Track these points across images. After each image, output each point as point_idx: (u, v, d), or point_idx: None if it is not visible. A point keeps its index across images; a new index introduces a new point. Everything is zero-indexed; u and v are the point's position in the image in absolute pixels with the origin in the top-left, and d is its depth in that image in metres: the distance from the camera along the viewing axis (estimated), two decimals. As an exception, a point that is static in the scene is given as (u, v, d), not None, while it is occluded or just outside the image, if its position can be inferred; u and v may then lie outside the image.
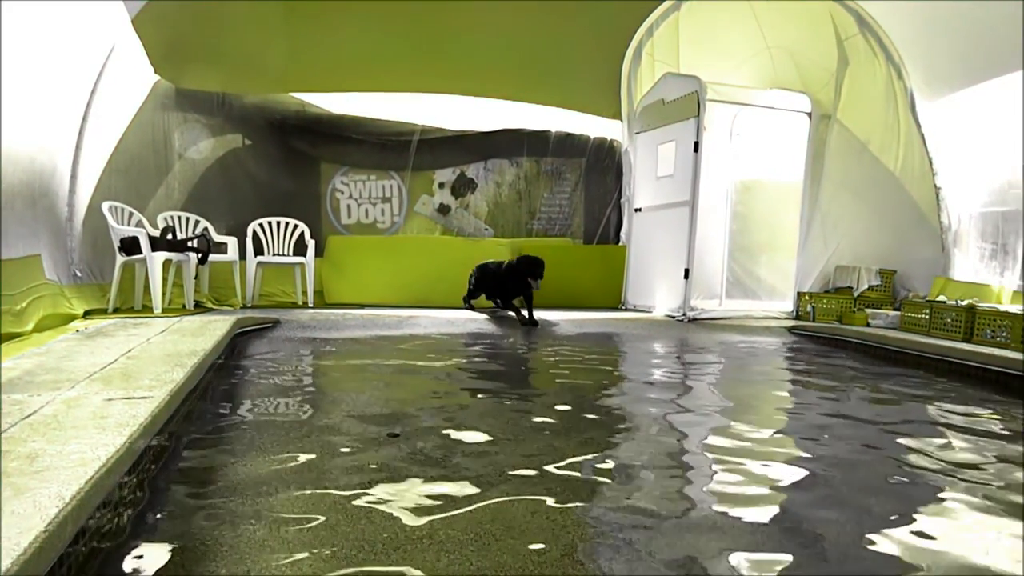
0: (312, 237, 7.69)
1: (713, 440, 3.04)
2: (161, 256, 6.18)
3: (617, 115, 9.31)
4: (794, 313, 8.07)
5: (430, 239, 8.85)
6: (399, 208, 9.05)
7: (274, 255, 7.62)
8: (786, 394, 4.58)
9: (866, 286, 7.79)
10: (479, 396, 3.82)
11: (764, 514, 2.12)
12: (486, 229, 9.26)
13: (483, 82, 8.89)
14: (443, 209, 9.19)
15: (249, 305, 7.24)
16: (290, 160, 8.68)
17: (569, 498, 2.16)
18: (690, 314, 7.62)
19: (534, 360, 5.17)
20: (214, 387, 3.60)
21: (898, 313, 7.18)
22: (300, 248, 7.65)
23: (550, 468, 2.45)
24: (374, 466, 2.39)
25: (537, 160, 9.45)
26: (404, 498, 2.10)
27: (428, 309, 7.51)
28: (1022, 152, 6.51)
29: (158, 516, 1.92)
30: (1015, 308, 6.28)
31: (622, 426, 3.31)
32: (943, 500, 2.35)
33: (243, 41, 7.96)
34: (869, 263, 7.89)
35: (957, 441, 3.19)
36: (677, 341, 6.42)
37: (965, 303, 6.57)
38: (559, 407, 3.55)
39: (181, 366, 3.25)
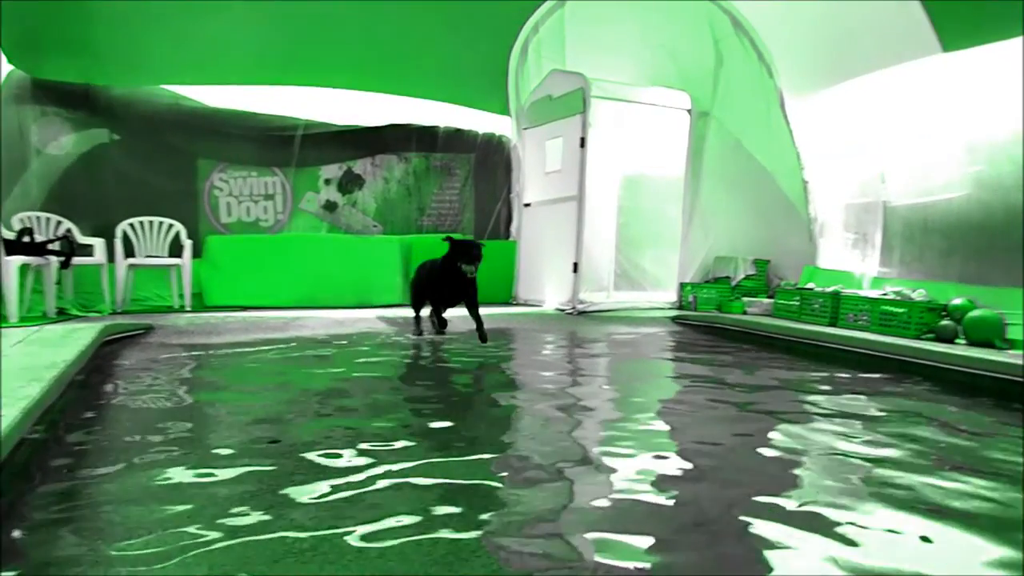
0: (189, 237, 7.31)
1: (603, 430, 3.09)
2: (17, 260, 5.72)
3: (505, 111, 9.35)
4: (678, 303, 8.37)
5: (316, 237, 8.59)
6: (283, 205, 8.74)
7: (147, 256, 7.19)
8: (668, 382, 4.73)
9: (743, 275, 8.17)
10: (373, 398, 3.73)
11: (643, 499, 2.17)
12: (375, 226, 9.10)
13: (369, 76, 8.71)
14: (330, 206, 8.95)
15: (119, 311, 6.80)
16: (163, 156, 8.20)
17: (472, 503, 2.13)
18: (579, 307, 7.76)
19: (428, 358, 5.10)
20: (74, 403, 3.34)
21: (772, 300, 7.57)
22: (176, 249, 7.26)
23: (447, 482, 2.40)
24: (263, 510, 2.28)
25: (426, 156, 9.36)
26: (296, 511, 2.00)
27: (316, 309, 7.31)
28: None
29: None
30: (874, 293, 6.75)
31: (515, 421, 3.31)
32: (811, 480, 2.47)
33: (109, 29, 7.44)
34: (745, 253, 8.28)
35: (825, 424, 3.38)
36: (567, 334, 6.51)
37: (831, 290, 7.00)
38: (451, 404, 3.51)
39: (38, 380, 2.99)
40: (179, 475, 2.32)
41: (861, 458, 2.73)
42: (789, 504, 2.18)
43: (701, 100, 8.45)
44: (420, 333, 5.93)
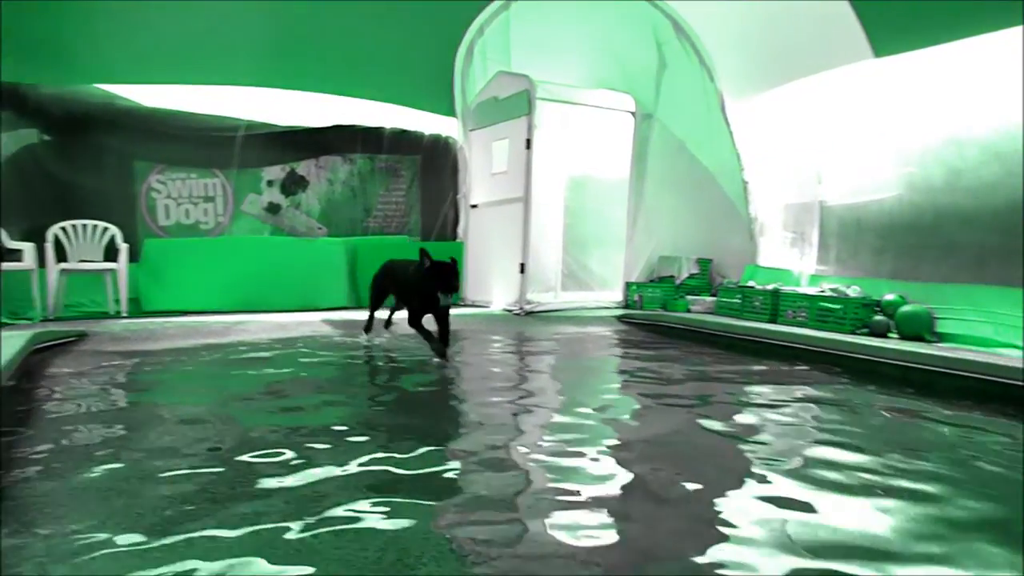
0: (126, 240, 7.07)
1: (548, 425, 3.10)
2: (-63, 265, 5.45)
3: (452, 112, 9.32)
4: (624, 302, 8.47)
5: (258, 239, 8.41)
6: (224, 208, 8.54)
7: (80, 261, 6.94)
8: (612, 376, 4.79)
9: (687, 274, 8.32)
10: (318, 398, 3.67)
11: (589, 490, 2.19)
12: (319, 228, 8.97)
13: (313, 76, 8.57)
14: (273, 208, 8.79)
15: (51, 317, 6.55)
16: (97, 157, 7.91)
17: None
18: (526, 307, 7.78)
19: (377, 357, 5.05)
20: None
21: (715, 299, 7.72)
22: (111, 253, 7.02)
23: (394, 469, 2.38)
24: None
25: (371, 157, 9.27)
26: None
27: (259, 313, 7.16)
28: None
29: None
30: (812, 291, 6.95)
31: (461, 419, 3.30)
32: (761, 474, 2.53)
33: (37, 26, 7.16)
34: (689, 253, 8.43)
35: (767, 414, 3.46)
36: (514, 335, 6.52)
37: (771, 287, 7.18)
38: (400, 402, 3.48)
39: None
40: (108, 479, 2.25)
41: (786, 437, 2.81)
42: (722, 476, 2.24)
43: (645, 102, 8.58)
44: (369, 329, 5.97)
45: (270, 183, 8.79)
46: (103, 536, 1.79)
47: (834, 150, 7.39)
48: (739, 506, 2.15)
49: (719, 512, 2.09)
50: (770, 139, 8.02)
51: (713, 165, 8.30)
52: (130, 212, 8.06)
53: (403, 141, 9.36)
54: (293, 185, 8.91)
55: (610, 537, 1.90)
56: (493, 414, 3.35)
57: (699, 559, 1.78)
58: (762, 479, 2.41)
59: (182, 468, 2.35)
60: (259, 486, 2.19)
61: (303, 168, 8.95)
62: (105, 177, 7.96)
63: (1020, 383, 4.27)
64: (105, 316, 6.83)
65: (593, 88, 8.58)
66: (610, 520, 2.01)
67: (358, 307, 7.75)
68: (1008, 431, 3.31)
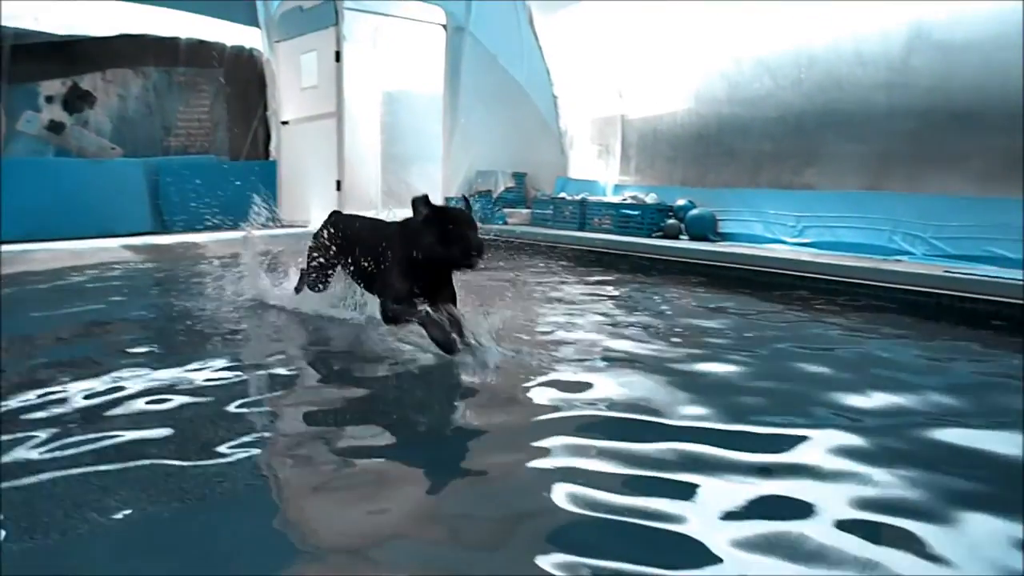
0: None
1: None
2: None
3: (254, 22, 8.77)
4: (444, 218, 8.63)
5: (41, 162, 7.58)
6: (-7, 127, 7.61)
7: None
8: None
9: (503, 188, 8.61)
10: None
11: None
12: (113, 148, 8.24)
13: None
14: (55, 127, 7.93)
15: None
16: None
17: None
18: (345, 225, 7.73)
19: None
20: None
21: (530, 211, 8.09)
22: None
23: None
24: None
25: (167, 70, 8.55)
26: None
27: (49, 242, 6.58)
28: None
29: None
30: (615, 199, 7.47)
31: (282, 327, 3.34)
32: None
33: None
34: (504, 167, 8.70)
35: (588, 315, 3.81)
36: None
37: (579, 197, 7.63)
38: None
39: None
40: None
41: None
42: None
43: (456, 15, 8.54)
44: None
45: (49, 99, 7.88)
46: None
47: (633, 66, 7.84)
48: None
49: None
50: (576, 55, 8.34)
51: (524, 80, 8.52)
52: None
53: (202, 53, 8.68)
54: (77, 101, 8.05)
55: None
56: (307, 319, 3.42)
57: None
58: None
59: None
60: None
61: (88, 82, 8.10)
62: None
63: (777, 270, 5.00)
64: None
65: (403, -1, 8.42)
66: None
67: (163, 232, 7.33)
68: (755, 306, 3.91)
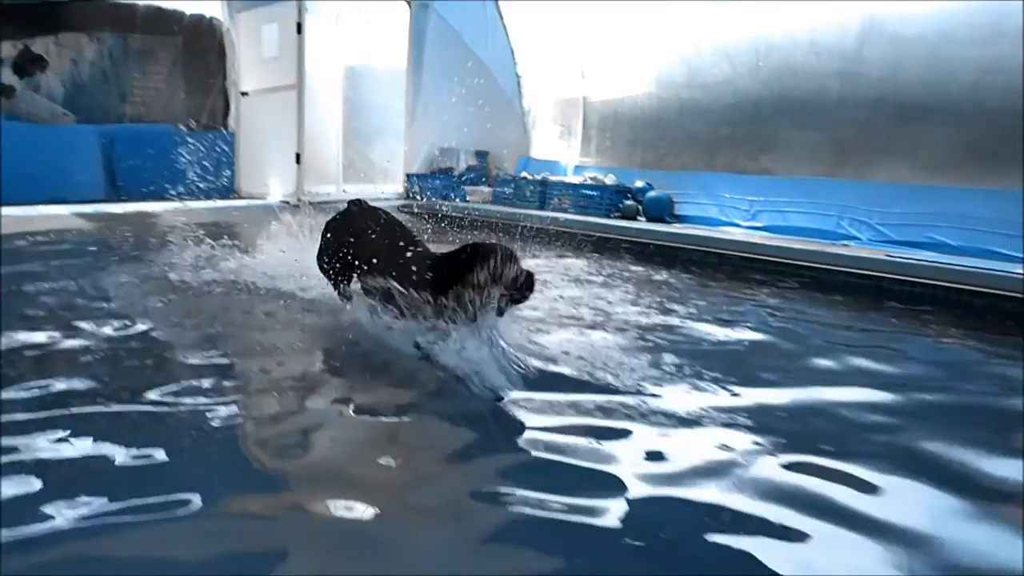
0: None
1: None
2: None
3: (215, -10, 8.61)
4: (405, 194, 8.62)
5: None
6: (-62, 88, 7.37)
7: None
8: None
9: (465, 166, 8.62)
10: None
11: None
12: (66, 114, 8.04)
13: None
14: (4, 91, 7.72)
15: None
16: None
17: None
18: (304, 199, 7.68)
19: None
20: None
21: (491, 189, 8.12)
22: None
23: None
24: None
25: (123, 36, 8.36)
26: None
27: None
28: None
29: None
30: (575, 180, 7.54)
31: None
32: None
33: None
34: (467, 145, 8.71)
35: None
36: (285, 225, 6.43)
37: (540, 177, 7.68)
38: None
39: None
40: None
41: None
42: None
43: (422, -9, 8.50)
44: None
45: (-2, 61, 7.67)
46: None
47: (596, 48, 7.89)
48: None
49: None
50: (541, 35, 8.36)
51: (489, 58, 8.51)
52: None
53: (160, 20, 8.50)
54: (29, 65, 7.83)
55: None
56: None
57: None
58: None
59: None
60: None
61: (40, 46, 7.88)
62: None
63: (730, 252, 5.14)
64: None
65: (368, -27, 8.33)
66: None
67: (117, 200, 7.21)
68: (706, 283, 4.04)
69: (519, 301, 2.52)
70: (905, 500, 1.75)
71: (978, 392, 2.76)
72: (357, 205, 3.16)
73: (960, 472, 1.91)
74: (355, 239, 2.89)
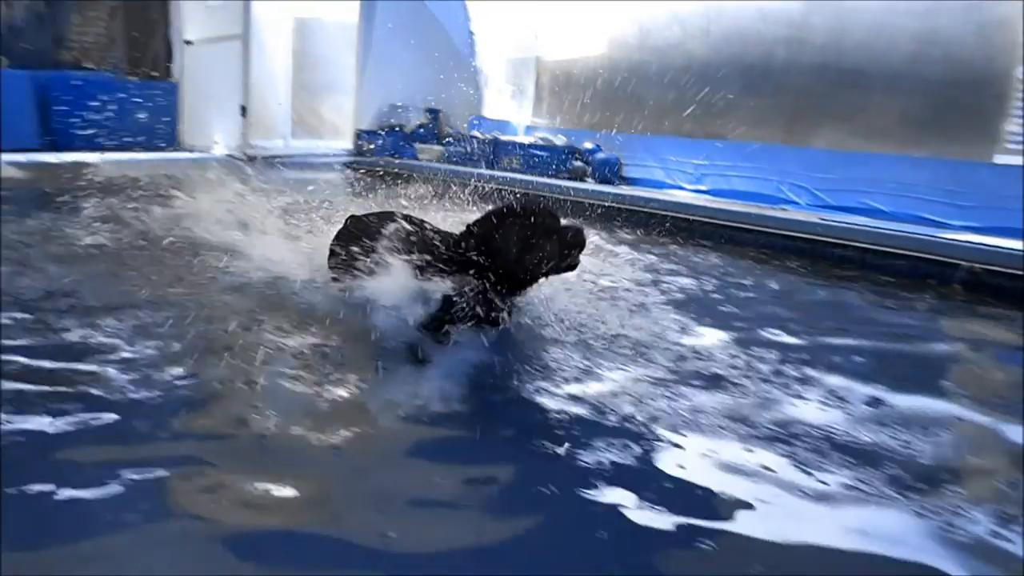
0: None
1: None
2: None
3: (157, -69, 8.26)
4: (355, 150, 8.51)
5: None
6: None
7: None
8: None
9: (416, 124, 8.53)
10: None
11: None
12: (-2, 59, 7.70)
13: None
14: (-69, 31, 7.35)
15: None
16: None
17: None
18: (250, 152, 7.53)
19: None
20: None
21: (442, 147, 8.06)
22: None
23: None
24: None
25: (59, -23, 8.00)
26: None
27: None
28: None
29: None
30: (527, 140, 7.53)
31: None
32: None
33: None
34: (418, 103, 8.60)
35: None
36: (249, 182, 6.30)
37: (490, 136, 7.65)
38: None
39: None
40: None
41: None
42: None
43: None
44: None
45: (-78, 0, 7.29)
46: None
47: (550, 7, 7.83)
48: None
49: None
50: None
51: (443, 15, 8.38)
52: None
53: (98, -38, 8.15)
54: (-43, 6, 7.47)
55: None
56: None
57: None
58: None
59: None
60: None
61: (-33, -14, 7.50)
62: None
63: (678, 215, 5.24)
64: None
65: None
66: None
67: (51, 149, 6.96)
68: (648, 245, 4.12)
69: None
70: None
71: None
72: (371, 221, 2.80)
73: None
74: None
